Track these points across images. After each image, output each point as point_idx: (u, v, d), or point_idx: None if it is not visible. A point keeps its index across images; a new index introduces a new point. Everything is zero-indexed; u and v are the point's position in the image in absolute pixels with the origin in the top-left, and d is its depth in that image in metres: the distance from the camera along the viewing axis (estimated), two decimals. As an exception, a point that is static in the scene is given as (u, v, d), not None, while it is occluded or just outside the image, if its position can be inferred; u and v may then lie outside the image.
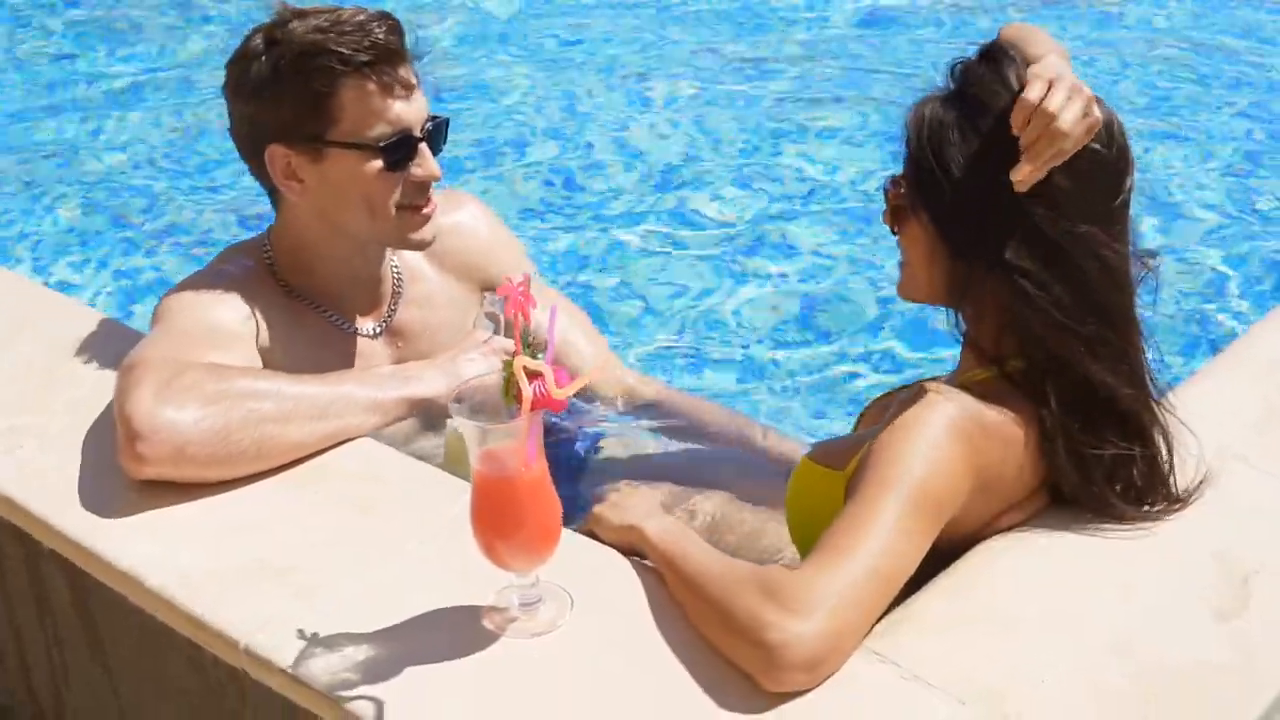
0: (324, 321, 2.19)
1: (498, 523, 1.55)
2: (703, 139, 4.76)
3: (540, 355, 1.49)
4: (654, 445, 2.44)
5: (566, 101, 5.08)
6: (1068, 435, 1.68)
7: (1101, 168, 1.66)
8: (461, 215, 2.38)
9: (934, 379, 1.73)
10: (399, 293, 2.27)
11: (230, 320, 2.05)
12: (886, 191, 1.77)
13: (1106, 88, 4.88)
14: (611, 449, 2.48)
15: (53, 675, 2.03)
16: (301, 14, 2.02)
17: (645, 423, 2.47)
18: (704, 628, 1.55)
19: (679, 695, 1.50)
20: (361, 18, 2.00)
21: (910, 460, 1.57)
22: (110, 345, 2.15)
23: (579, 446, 2.50)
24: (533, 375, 1.48)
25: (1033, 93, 1.59)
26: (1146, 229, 3.86)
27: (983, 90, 1.66)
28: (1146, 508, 1.74)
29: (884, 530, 1.52)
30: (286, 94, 2.00)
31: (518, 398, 1.48)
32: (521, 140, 4.78)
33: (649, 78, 5.24)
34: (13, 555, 1.97)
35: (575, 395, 2.44)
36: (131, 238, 4.21)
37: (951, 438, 1.59)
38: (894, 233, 1.79)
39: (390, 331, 2.25)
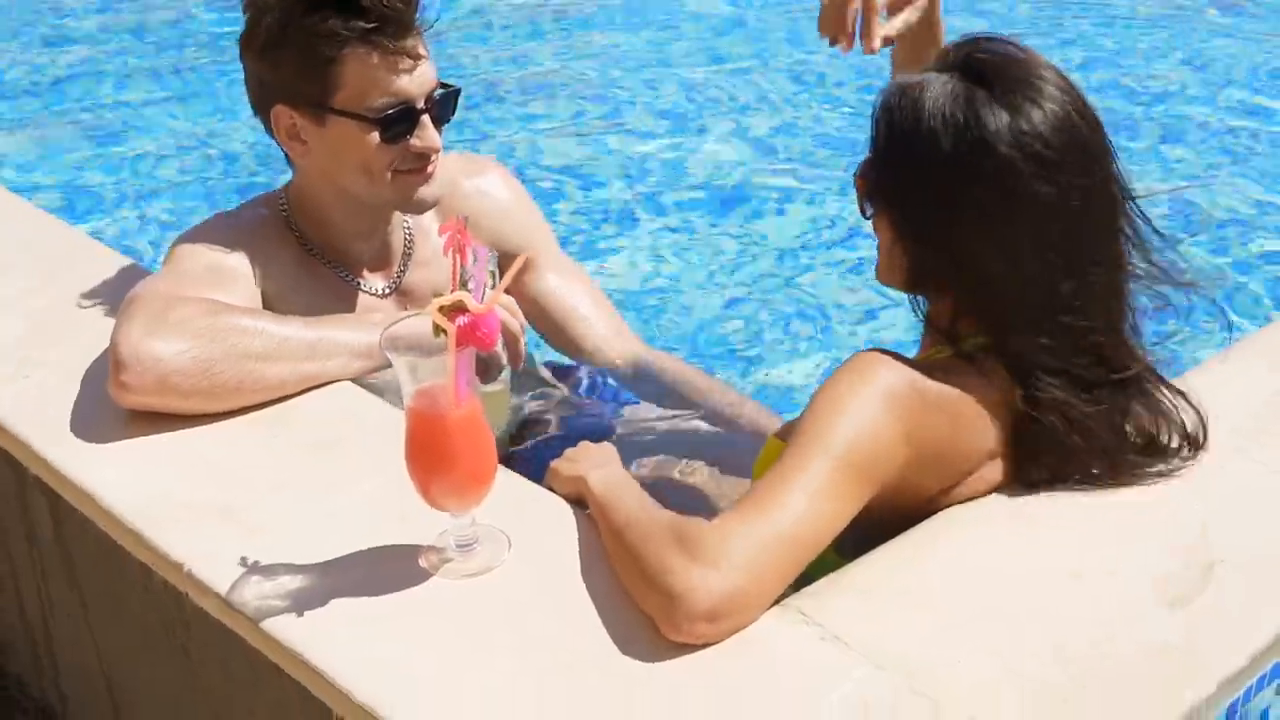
0: (334, 276, 2.21)
1: (430, 461, 1.56)
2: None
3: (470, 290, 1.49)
4: (660, 418, 2.42)
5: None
6: (1057, 410, 1.63)
7: (1074, 143, 1.60)
8: (483, 180, 2.39)
9: (881, 349, 1.69)
10: (410, 254, 2.28)
11: (233, 261, 2.08)
12: (855, 178, 1.73)
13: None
14: (625, 425, 2.47)
15: (41, 607, 2.10)
16: None
17: (652, 393, 2.46)
18: (621, 573, 1.53)
19: (596, 642, 1.49)
20: None
21: (840, 422, 1.53)
22: (127, 287, 2.21)
23: (596, 424, 2.49)
24: (458, 311, 1.47)
25: None
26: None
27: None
28: (1161, 464, 1.70)
29: (805, 490, 1.48)
30: (291, 56, 2.01)
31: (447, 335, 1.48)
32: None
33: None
34: (6, 482, 2.03)
35: (590, 367, 2.49)
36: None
37: (885, 404, 1.55)
38: (865, 217, 1.76)
39: (400, 292, 2.27)
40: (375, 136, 2.04)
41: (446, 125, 2.13)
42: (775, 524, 1.46)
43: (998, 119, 1.57)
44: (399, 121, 2.04)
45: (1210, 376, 2.01)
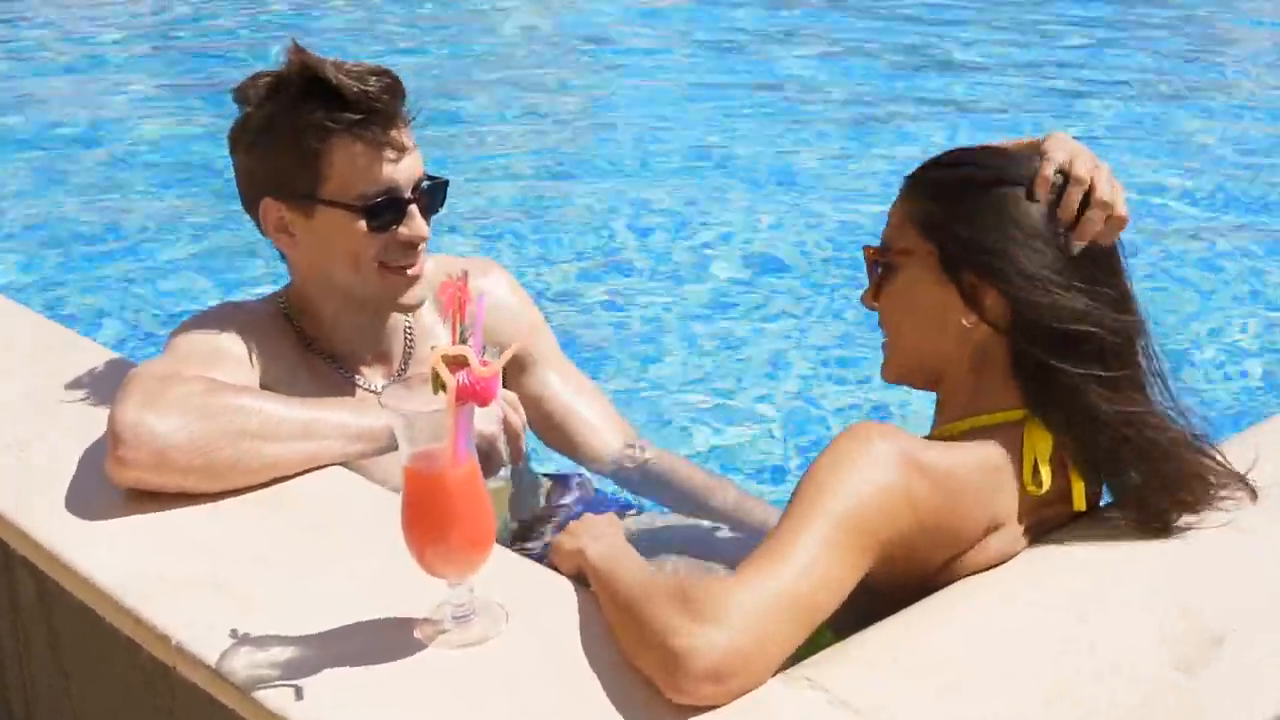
0: (333, 372, 2.20)
1: (428, 524, 1.52)
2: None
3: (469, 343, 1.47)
4: (664, 517, 2.39)
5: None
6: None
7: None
8: (485, 281, 2.38)
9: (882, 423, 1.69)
10: (410, 353, 2.27)
11: (233, 346, 2.07)
12: (887, 260, 1.76)
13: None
14: (628, 524, 2.44)
15: (21, 676, 2.05)
16: (302, 65, 2.02)
17: (657, 493, 2.43)
18: (622, 638, 1.50)
19: (596, 711, 1.44)
20: (360, 70, 2.02)
21: (839, 485, 1.51)
22: (119, 378, 2.19)
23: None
24: (458, 366, 1.46)
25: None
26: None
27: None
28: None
29: (807, 550, 1.46)
30: (279, 149, 2.03)
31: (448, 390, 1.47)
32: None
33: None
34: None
35: (587, 468, 2.47)
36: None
37: (884, 467, 1.54)
38: (872, 307, 1.80)
39: None
40: (362, 225, 2.04)
41: (435, 216, 2.14)
42: (778, 582, 1.43)
43: None
44: (386, 210, 2.05)
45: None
